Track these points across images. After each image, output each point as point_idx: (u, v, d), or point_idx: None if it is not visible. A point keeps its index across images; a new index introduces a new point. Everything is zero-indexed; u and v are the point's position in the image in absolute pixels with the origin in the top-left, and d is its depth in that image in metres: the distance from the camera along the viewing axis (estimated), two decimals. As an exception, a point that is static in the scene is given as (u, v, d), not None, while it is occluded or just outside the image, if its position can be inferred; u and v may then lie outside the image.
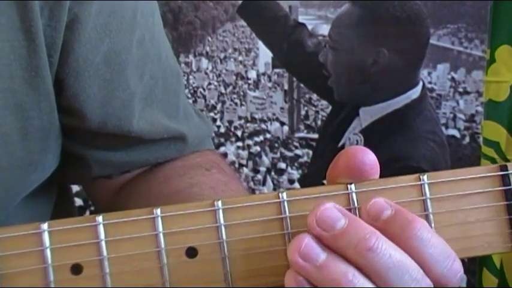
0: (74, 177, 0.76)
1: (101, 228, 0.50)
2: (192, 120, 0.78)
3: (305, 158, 1.64)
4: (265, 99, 1.65)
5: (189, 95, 1.62)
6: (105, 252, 0.50)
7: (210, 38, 1.65)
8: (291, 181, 1.64)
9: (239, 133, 1.65)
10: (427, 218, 0.51)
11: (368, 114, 1.60)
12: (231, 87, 1.65)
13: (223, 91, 1.65)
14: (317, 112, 1.64)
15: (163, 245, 0.50)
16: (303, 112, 1.65)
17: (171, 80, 0.75)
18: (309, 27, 1.61)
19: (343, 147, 1.60)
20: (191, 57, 1.65)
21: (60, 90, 0.67)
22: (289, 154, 1.64)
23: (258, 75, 1.65)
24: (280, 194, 0.51)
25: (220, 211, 0.51)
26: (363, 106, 1.60)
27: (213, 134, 1.59)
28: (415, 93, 1.59)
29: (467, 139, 1.60)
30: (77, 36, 0.65)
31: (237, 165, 1.64)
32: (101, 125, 0.69)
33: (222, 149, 1.63)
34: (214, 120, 1.63)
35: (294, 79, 1.64)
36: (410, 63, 1.59)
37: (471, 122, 1.60)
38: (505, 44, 1.24)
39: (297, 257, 0.48)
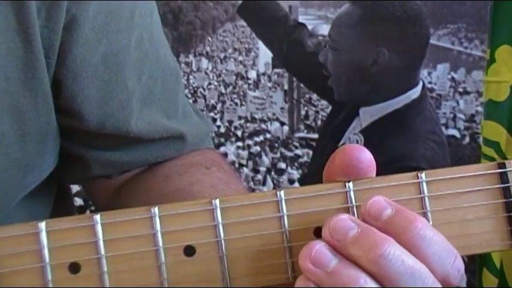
0: (73, 177, 0.76)
1: (99, 227, 0.49)
2: (191, 119, 0.78)
3: (305, 158, 1.64)
4: (265, 99, 1.65)
5: (189, 95, 1.62)
6: (103, 251, 0.49)
7: (210, 38, 1.65)
8: (291, 181, 1.64)
9: (239, 133, 1.65)
10: (425, 215, 0.51)
11: (368, 114, 1.60)
12: (231, 87, 1.65)
13: (223, 91, 1.65)
14: (317, 112, 1.64)
15: (161, 244, 0.50)
16: (303, 112, 1.64)
17: (170, 79, 0.75)
18: (309, 27, 1.61)
19: (343, 147, 1.60)
20: (191, 57, 1.65)
21: (58, 92, 0.67)
22: (289, 154, 1.64)
23: (258, 75, 1.65)
24: (278, 193, 0.51)
25: (218, 210, 0.50)
26: (363, 106, 1.60)
27: (213, 134, 1.59)
28: (415, 93, 1.59)
29: (467, 139, 1.60)
30: (75, 37, 0.65)
31: (237, 165, 1.63)
32: (99, 125, 0.69)
33: (222, 149, 1.62)
34: (215, 120, 1.63)
35: (294, 79, 1.64)
36: (410, 63, 1.58)
37: (471, 122, 1.60)
38: (505, 44, 1.23)
39: (308, 263, 0.48)
